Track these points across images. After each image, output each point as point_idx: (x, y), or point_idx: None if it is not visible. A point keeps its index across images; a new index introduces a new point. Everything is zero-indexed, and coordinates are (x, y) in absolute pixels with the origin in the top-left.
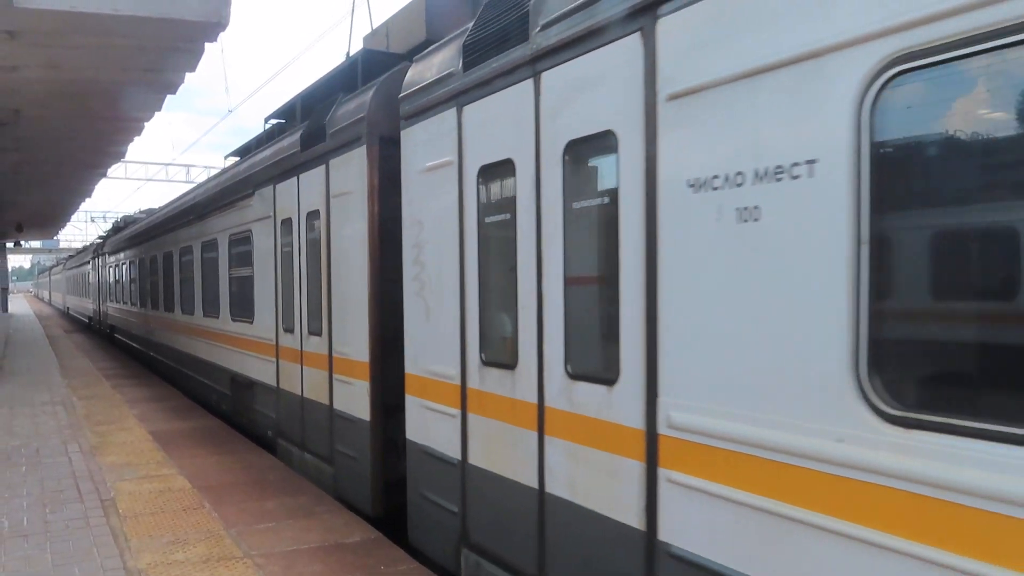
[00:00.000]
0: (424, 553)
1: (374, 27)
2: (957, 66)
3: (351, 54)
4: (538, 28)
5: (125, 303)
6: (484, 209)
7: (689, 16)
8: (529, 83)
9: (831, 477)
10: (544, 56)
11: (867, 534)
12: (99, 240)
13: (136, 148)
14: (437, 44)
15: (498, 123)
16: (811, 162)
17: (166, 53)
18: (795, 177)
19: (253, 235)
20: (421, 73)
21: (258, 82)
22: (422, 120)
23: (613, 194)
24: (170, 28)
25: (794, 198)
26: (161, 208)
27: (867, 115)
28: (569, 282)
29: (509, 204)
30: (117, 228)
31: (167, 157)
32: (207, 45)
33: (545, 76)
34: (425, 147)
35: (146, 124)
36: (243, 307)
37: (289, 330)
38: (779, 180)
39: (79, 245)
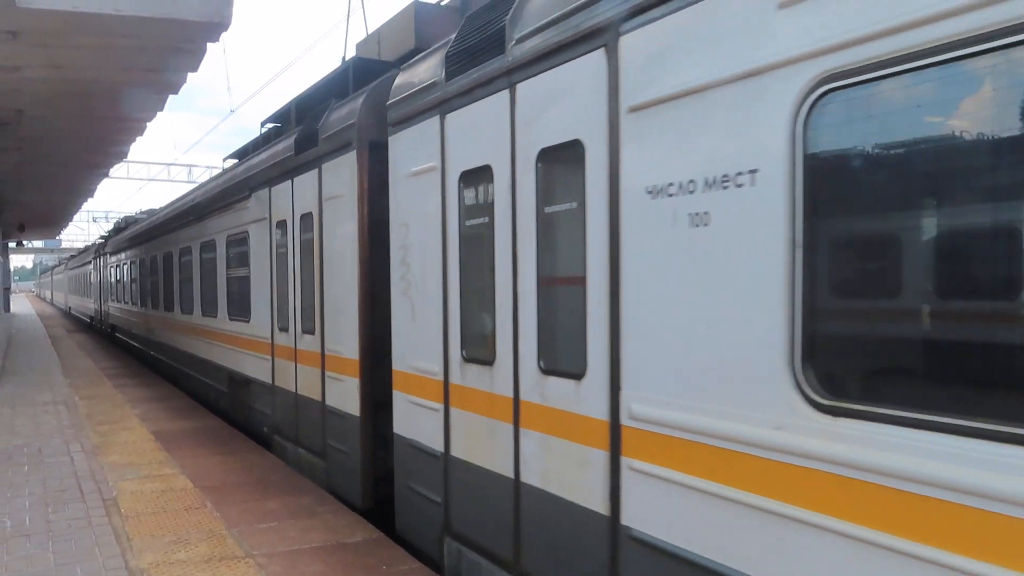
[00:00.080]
0: (410, 543)
1: (369, 32)
2: (877, 85)
3: (344, 60)
4: (513, 41)
5: (126, 303)
6: (465, 213)
7: (648, 34)
8: (505, 93)
9: (770, 462)
10: (519, 68)
11: (801, 514)
12: (100, 240)
13: (138, 148)
14: (422, 54)
15: (477, 131)
16: (753, 172)
17: (168, 53)
18: (739, 185)
19: (250, 236)
20: (407, 82)
21: (260, 82)
22: (408, 127)
23: (581, 199)
24: (172, 28)
25: (739, 205)
26: (161, 209)
27: (800, 129)
28: (541, 283)
29: (487, 208)
30: (118, 228)
31: (169, 157)
32: (209, 45)
33: (520, 87)
34: (411, 153)
35: (148, 124)
36: (240, 307)
37: (284, 329)
38: (726, 188)
39: (81, 245)
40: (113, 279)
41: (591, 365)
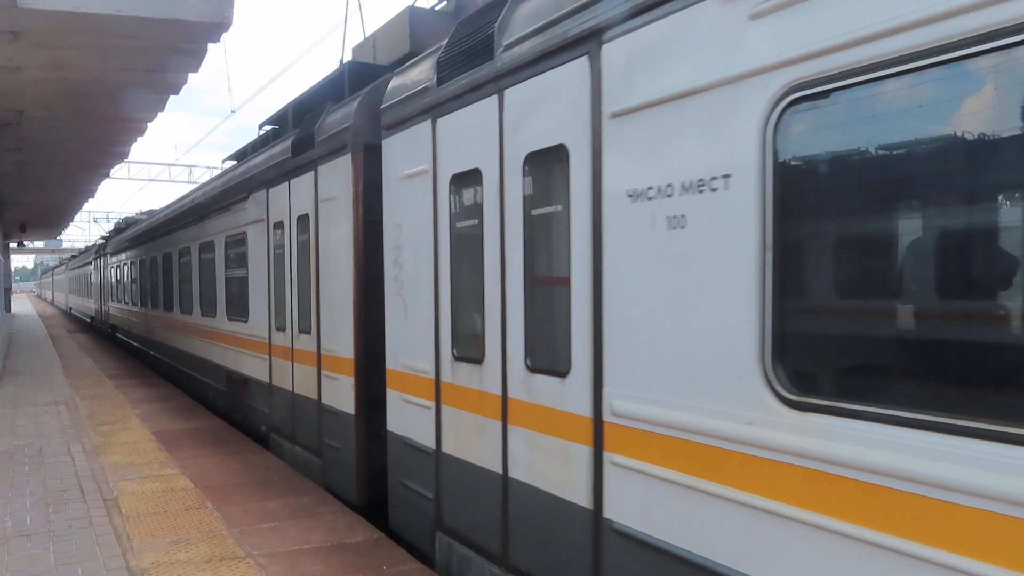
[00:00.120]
0: (403, 537)
1: (367, 35)
2: (841, 94)
3: (341, 63)
4: (502, 48)
5: (126, 303)
6: (455, 215)
7: (628, 43)
8: (494, 99)
9: (742, 456)
10: (507, 74)
11: (771, 505)
12: (101, 241)
13: (139, 148)
14: (415, 60)
15: (468, 135)
16: (726, 176)
17: (169, 54)
18: (714, 190)
19: (248, 237)
20: (400, 86)
21: (261, 82)
22: (401, 130)
23: (566, 202)
24: (173, 29)
25: (713, 208)
26: (161, 210)
27: (770, 136)
28: (528, 283)
29: (477, 210)
30: (119, 229)
31: (170, 157)
32: (210, 45)
33: (508, 92)
34: (404, 156)
35: (149, 124)
36: (238, 306)
37: (281, 329)
38: (701, 192)
39: (82, 245)
40: (113, 279)
41: (575, 363)
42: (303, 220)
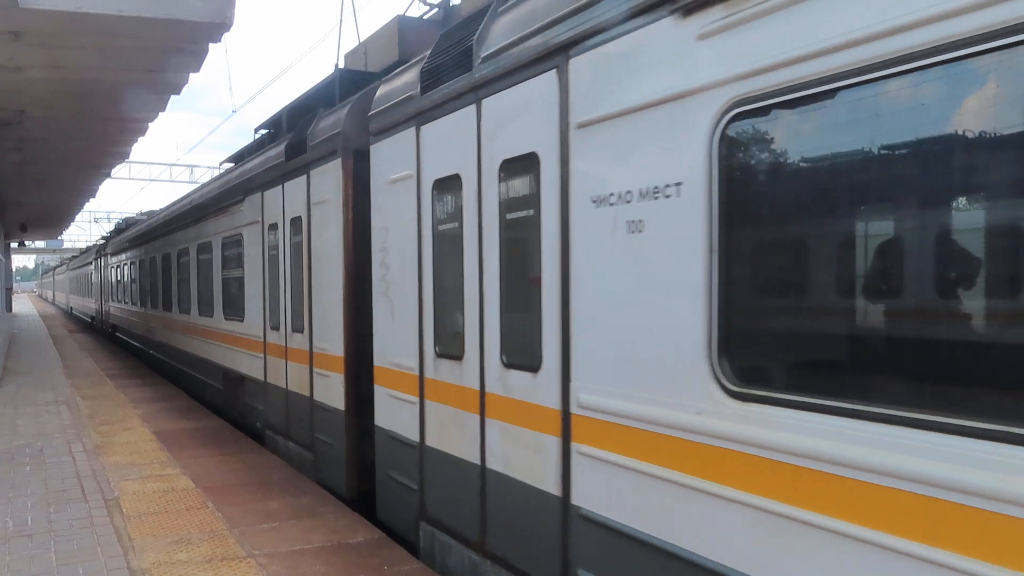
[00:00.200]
0: (390, 528)
1: (360, 41)
2: (776, 109)
3: (337, 67)
4: (480, 60)
5: (126, 303)
6: (437, 218)
7: (592, 58)
8: (472, 108)
9: (692, 444)
10: (484, 85)
11: (716, 489)
12: (102, 241)
13: (140, 148)
14: (400, 69)
15: (449, 142)
16: (678, 184)
17: (170, 54)
18: (667, 196)
19: (243, 239)
20: (387, 94)
21: (262, 82)
22: (388, 137)
23: (537, 207)
24: (174, 29)
25: (667, 214)
26: (160, 211)
27: (716, 147)
28: (504, 283)
29: (457, 214)
30: (119, 230)
31: (171, 157)
32: (211, 45)
33: (485, 102)
34: (390, 161)
35: (150, 124)
36: (235, 306)
37: (275, 328)
38: (656, 199)
39: (83, 245)
40: (114, 279)
41: (546, 359)
42: (296, 222)
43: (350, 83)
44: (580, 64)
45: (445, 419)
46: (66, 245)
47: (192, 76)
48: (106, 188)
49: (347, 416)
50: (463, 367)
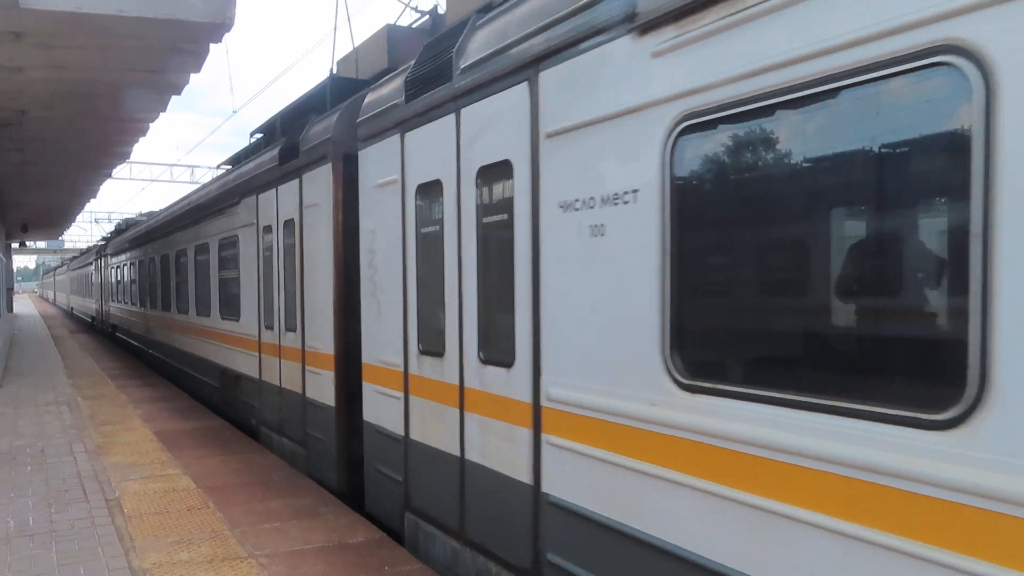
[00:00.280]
0: (378, 519)
1: (354, 47)
2: (720, 123)
3: (332, 72)
4: (459, 71)
5: (125, 303)
6: (420, 221)
7: (559, 72)
8: (452, 117)
9: (647, 433)
10: (463, 95)
11: (668, 474)
12: (102, 242)
13: (141, 149)
14: (386, 78)
15: (430, 149)
16: (635, 191)
17: (170, 54)
18: (626, 203)
19: (239, 240)
20: (374, 101)
21: (263, 83)
22: (375, 143)
23: (510, 212)
24: (174, 29)
25: (626, 219)
26: (159, 212)
27: (668, 157)
28: (481, 284)
29: (438, 218)
30: (119, 230)
31: (172, 158)
32: (211, 46)
33: (464, 112)
34: (377, 166)
35: (151, 125)
36: (231, 306)
37: (270, 327)
38: (616, 205)
39: (84, 246)
40: (113, 280)
41: (518, 355)
42: (289, 224)
43: (341, 90)
44: (549, 77)
45: (428, 413)
46: (67, 246)
47: (193, 76)
48: (107, 188)
49: (337, 412)
50: (444, 363)
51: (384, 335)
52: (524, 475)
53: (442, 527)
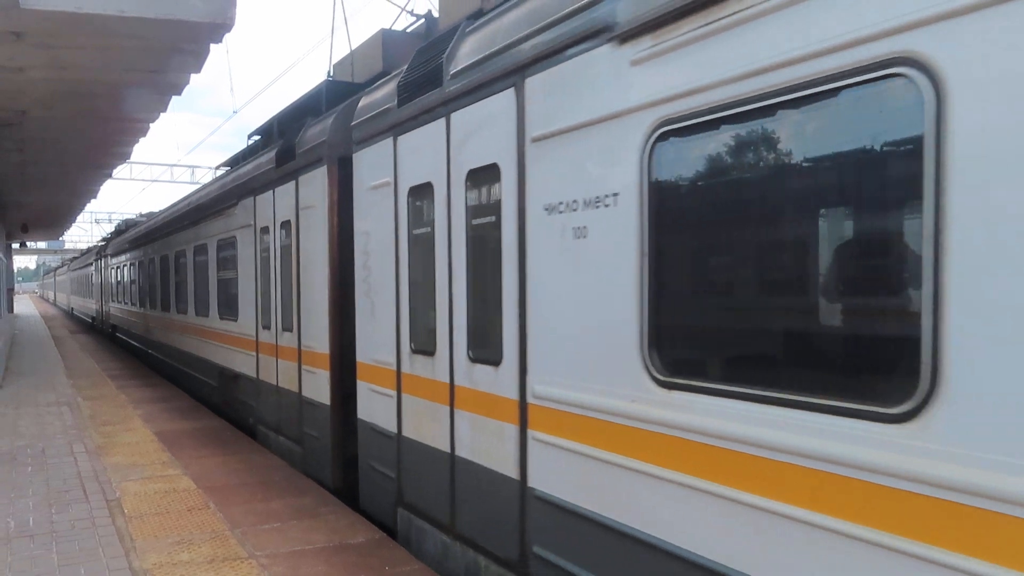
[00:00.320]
0: (371, 515)
1: (351, 49)
2: (695, 129)
3: (329, 74)
4: (449, 77)
5: (125, 303)
6: (412, 223)
7: (544, 79)
8: (442, 121)
9: (627, 428)
10: (452, 100)
11: (645, 467)
12: (102, 243)
13: (141, 149)
14: (380, 82)
15: (422, 152)
16: (616, 195)
17: (171, 54)
18: (607, 206)
19: (237, 241)
20: (368, 105)
21: (263, 83)
22: (369, 146)
23: (498, 214)
24: (175, 29)
25: (607, 222)
26: (158, 213)
27: (646, 162)
28: (470, 284)
29: (429, 219)
30: (119, 231)
31: (172, 158)
32: (212, 46)
33: (453, 116)
34: (370, 169)
35: (151, 125)
36: (229, 307)
37: (267, 327)
38: (598, 208)
39: (84, 246)
40: (113, 280)
41: (506, 354)
42: (286, 226)
43: (336, 93)
44: (534, 83)
45: (420, 411)
46: (67, 246)
47: (193, 76)
48: (107, 189)
49: (333, 410)
50: (435, 362)
51: (378, 334)
52: (511, 470)
53: (433, 522)
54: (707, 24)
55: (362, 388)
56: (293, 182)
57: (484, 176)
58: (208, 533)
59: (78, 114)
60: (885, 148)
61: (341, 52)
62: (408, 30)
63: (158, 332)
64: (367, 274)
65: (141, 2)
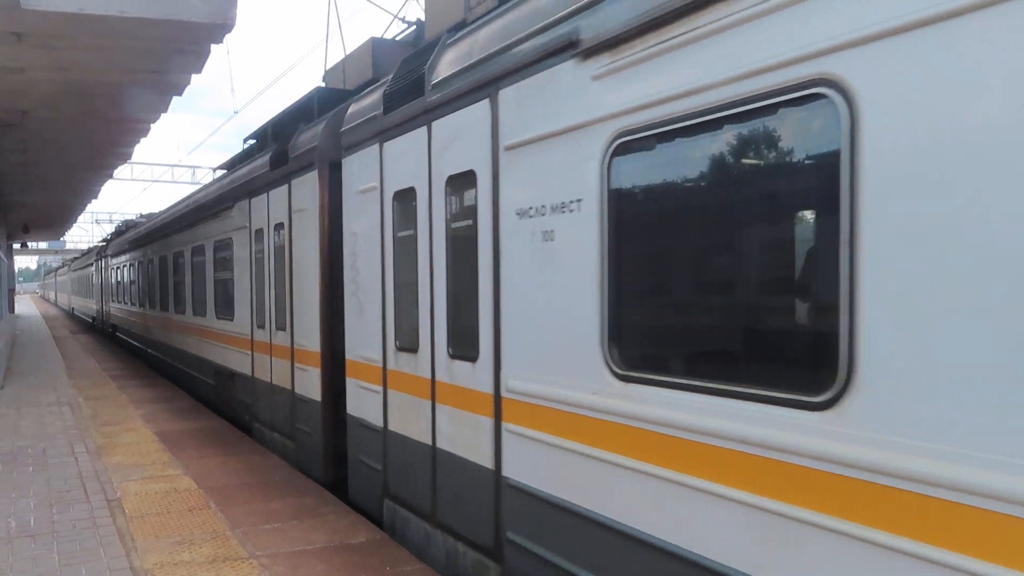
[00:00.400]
0: (359, 506)
1: (345, 55)
2: (648, 141)
3: (324, 83)
4: (430, 87)
5: (125, 303)
6: (397, 225)
7: (516, 91)
8: (424, 129)
9: (588, 419)
10: (433, 109)
11: (605, 455)
12: (102, 243)
13: (142, 149)
14: (367, 90)
15: (405, 158)
16: (579, 200)
17: (172, 55)
18: (571, 211)
19: (233, 242)
20: (357, 112)
21: (264, 83)
22: (357, 151)
23: (474, 218)
24: (176, 29)
25: (572, 226)
26: (157, 214)
27: (605, 170)
28: (450, 284)
29: (412, 222)
30: (119, 232)
31: (173, 158)
32: (212, 46)
33: (434, 124)
34: (359, 173)
35: (152, 125)
36: (225, 306)
37: (261, 326)
38: (563, 213)
39: (85, 246)
40: (114, 281)
41: (482, 350)
42: (279, 228)
43: (327, 99)
44: (507, 95)
45: (404, 405)
46: (68, 246)
47: (194, 77)
48: (108, 189)
49: (323, 406)
50: (418, 359)
51: (365, 333)
52: (487, 460)
53: (416, 511)
54: (657, 44)
55: (351, 384)
56: (286, 185)
57: (462, 182)
58: (209, 533)
59: (79, 114)
60: (809, 162)
61: (336, 55)
62: (398, 38)
63: (157, 332)
64: (355, 275)
65: (142, 2)
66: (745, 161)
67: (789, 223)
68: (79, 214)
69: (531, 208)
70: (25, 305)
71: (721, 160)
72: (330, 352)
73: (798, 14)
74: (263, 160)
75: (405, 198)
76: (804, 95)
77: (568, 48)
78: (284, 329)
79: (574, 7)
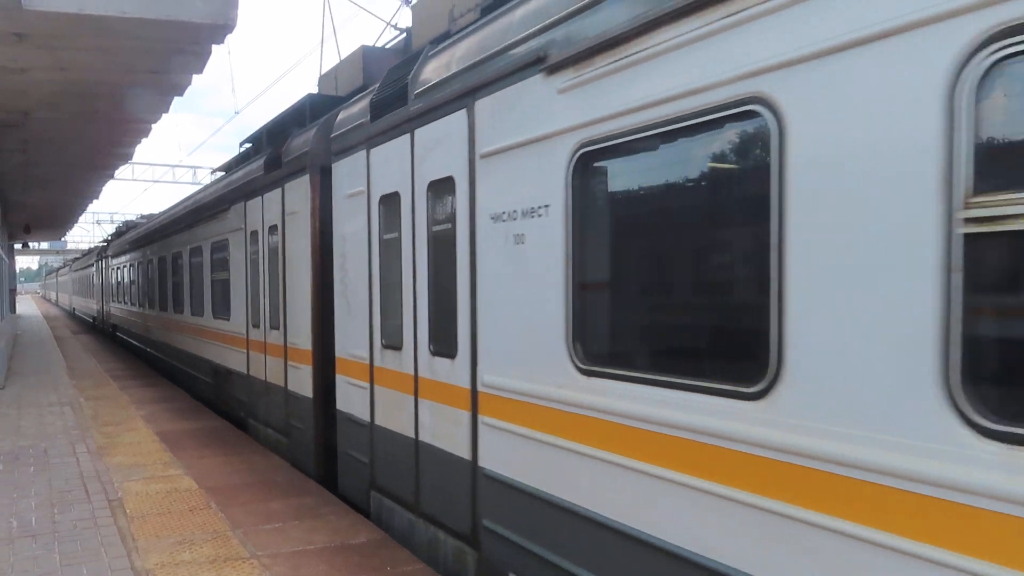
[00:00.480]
0: (348, 498)
1: (340, 60)
2: (607, 151)
3: (320, 90)
4: (413, 96)
5: (125, 303)
6: (383, 228)
7: (490, 102)
8: (407, 136)
9: (554, 410)
10: (416, 118)
11: (571, 445)
12: (103, 244)
13: (143, 150)
14: (356, 98)
15: (391, 164)
16: (547, 206)
17: (173, 55)
18: (540, 216)
19: (229, 244)
20: (346, 119)
21: (264, 83)
22: (346, 156)
23: (453, 222)
24: (177, 30)
25: (540, 230)
26: (157, 216)
27: (570, 178)
28: (431, 285)
29: (396, 226)
30: (119, 232)
31: (174, 159)
32: (213, 47)
33: (417, 132)
34: (347, 178)
35: (153, 126)
36: (222, 306)
37: (256, 326)
38: (533, 217)
39: (86, 247)
40: (114, 281)
41: (460, 348)
42: (273, 230)
43: (319, 106)
44: (483, 105)
45: (389, 401)
46: (69, 247)
47: (195, 77)
48: (109, 189)
49: (315, 403)
50: (401, 356)
51: (354, 331)
52: (465, 452)
53: (400, 502)
54: (614, 61)
55: (340, 381)
56: (280, 189)
57: (442, 187)
58: (210, 533)
59: (80, 115)
60: (745, 173)
61: (332, 59)
62: (388, 46)
63: (157, 331)
64: (344, 275)
65: (143, 3)
66: (690, 172)
67: (728, 229)
68: (80, 214)
69: (504, 213)
70: (26, 305)
71: (669, 170)
72: (321, 350)
73: (733, 38)
74: (258, 164)
75: (390, 202)
76: (740, 111)
77: (537, 63)
78: (278, 328)
79: (542, 24)
